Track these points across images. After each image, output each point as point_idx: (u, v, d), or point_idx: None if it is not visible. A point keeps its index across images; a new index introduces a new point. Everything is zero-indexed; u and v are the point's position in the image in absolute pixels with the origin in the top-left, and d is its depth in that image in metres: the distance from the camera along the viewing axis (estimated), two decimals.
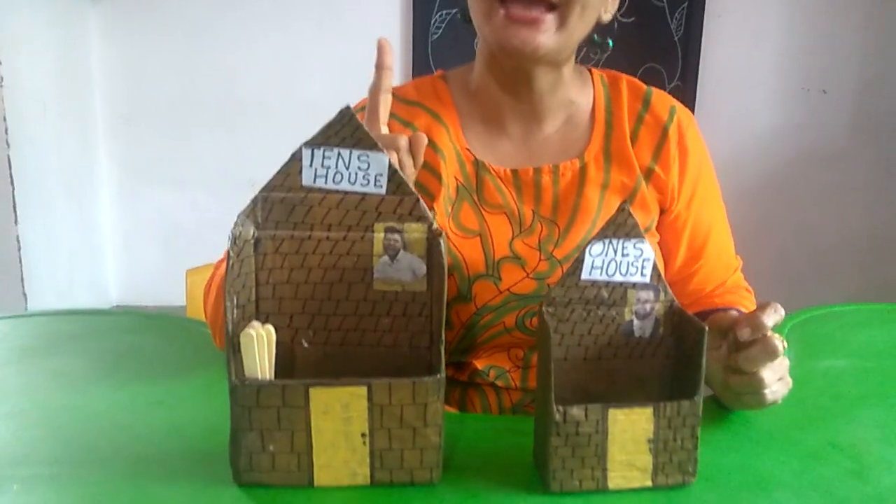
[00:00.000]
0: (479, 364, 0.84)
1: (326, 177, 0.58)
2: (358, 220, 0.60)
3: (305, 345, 0.62)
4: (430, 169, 0.83)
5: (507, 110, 0.85)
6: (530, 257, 0.81)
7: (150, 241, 2.74)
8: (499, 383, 0.84)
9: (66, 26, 2.50)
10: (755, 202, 2.63)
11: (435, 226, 0.60)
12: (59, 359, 0.83)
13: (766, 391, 0.65)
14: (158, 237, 2.74)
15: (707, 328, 0.57)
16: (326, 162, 0.58)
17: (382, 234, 0.60)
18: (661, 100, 0.87)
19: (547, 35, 0.74)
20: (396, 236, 0.60)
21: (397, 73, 2.58)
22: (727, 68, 2.58)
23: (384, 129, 0.71)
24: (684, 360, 0.61)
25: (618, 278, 0.60)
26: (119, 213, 2.73)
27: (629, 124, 0.85)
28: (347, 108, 0.57)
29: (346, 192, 0.59)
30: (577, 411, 0.56)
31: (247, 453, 0.56)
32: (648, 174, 0.85)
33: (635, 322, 0.62)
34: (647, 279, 0.61)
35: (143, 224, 2.73)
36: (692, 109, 2.52)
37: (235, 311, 0.58)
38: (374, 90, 0.70)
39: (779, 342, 0.63)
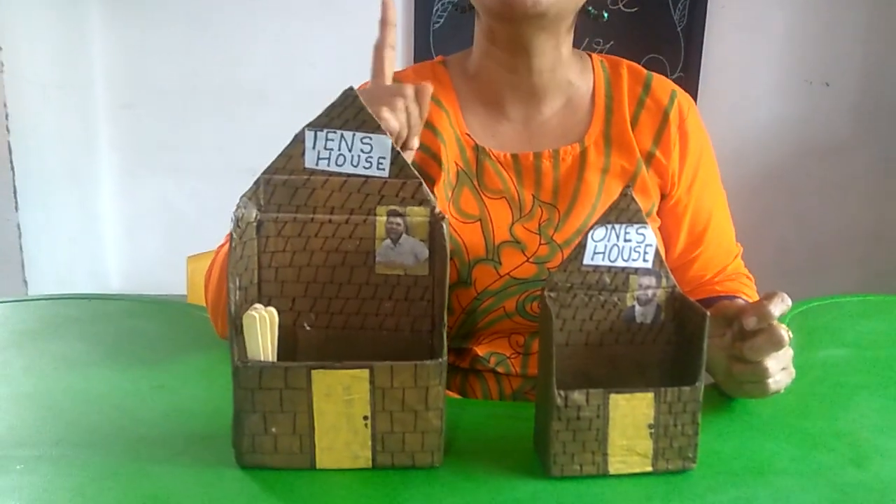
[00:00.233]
0: (480, 350, 0.84)
1: (329, 159, 0.58)
2: (360, 203, 0.60)
3: (308, 328, 0.63)
4: (431, 153, 0.83)
5: (507, 92, 0.85)
6: (530, 242, 0.82)
7: (151, 228, 2.74)
8: (499, 370, 0.84)
9: (68, 12, 2.49)
10: (756, 194, 2.62)
11: (437, 209, 0.60)
12: (61, 342, 0.84)
13: (770, 381, 0.65)
14: (159, 225, 2.73)
15: (708, 314, 0.57)
16: (329, 144, 0.58)
17: (385, 218, 0.60)
18: (662, 84, 0.87)
19: None
20: (399, 220, 0.60)
21: (399, 60, 2.56)
22: (730, 60, 2.57)
23: (390, 84, 0.72)
24: (685, 346, 0.61)
25: (620, 264, 0.60)
26: (120, 200, 2.73)
27: (630, 108, 0.85)
28: (351, 89, 0.57)
29: (348, 175, 0.59)
30: (578, 396, 0.56)
31: (249, 435, 0.56)
32: (649, 159, 0.85)
33: (637, 308, 0.62)
34: (650, 265, 0.61)
35: (144, 212, 2.73)
36: (694, 100, 2.51)
37: (238, 293, 0.58)
38: (379, 46, 0.71)
39: (784, 332, 0.63)
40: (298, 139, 0.58)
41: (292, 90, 2.59)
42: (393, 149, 0.59)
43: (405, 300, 0.62)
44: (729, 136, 2.57)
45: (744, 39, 2.57)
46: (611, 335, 0.63)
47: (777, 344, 0.63)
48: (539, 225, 0.82)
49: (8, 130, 2.18)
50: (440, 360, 0.56)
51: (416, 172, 0.59)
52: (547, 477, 0.57)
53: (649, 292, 0.62)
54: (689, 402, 0.57)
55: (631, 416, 0.57)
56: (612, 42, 2.49)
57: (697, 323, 0.58)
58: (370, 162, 0.59)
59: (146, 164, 2.69)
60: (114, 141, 2.68)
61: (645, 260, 0.61)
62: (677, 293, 0.62)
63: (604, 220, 0.59)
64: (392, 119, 0.66)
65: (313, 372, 0.55)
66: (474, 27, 0.86)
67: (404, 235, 0.61)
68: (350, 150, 0.58)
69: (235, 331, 0.56)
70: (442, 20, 2.53)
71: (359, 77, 0.90)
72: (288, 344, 0.61)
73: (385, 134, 0.58)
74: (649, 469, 0.58)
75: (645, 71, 0.88)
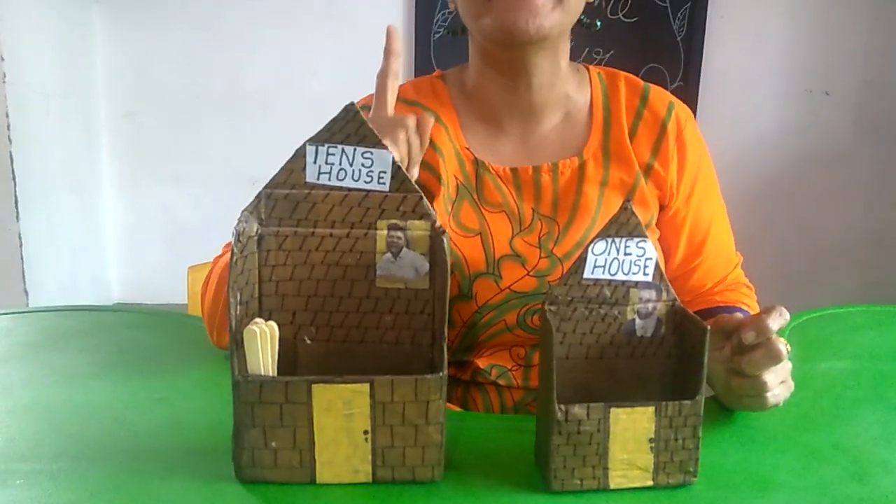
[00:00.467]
0: (481, 363, 0.84)
1: (330, 174, 0.59)
2: (361, 217, 0.60)
3: (308, 341, 0.63)
4: (430, 168, 0.83)
5: (505, 109, 0.85)
6: (530, 255, 0.82)
7: (152, 238, 2.74)
8: (501, 382, 0.84)
9: (70, 22, 2.50)
10: (757, 203, 2.63)
11: (438, 223, 0.60)
12: (62, 355, 0.84)
13: (769, 394, 0.65)
14: (161, 234, 2.74)
15: (709, 328, 0.57)
16: (330, 159, 0.58)
17: (385, 232, 0.60)
18: (659, 96, 0.87)
19: (545, 12, 0.75)
20: (399, 234, 0.60)
21: (400, 71, 2.57)
22: (730, 69, 2.58)
23: (391, 114, 0.72)
24: (686, 359, 0.61)
25: (620, 277, 0.61)
26: (121, 209, 2.73)
27: (627, 121, 0.86)
28: (352, 104, 0.57)
29: (349, 189, 0.59)
30: (578, 410, 0.56)
31: (249, 449, 0.56)
32: (647, 170, 0.85)
33: (637, 321, 0.62)
34: (650, 278, 0.61)
35: (146, 221, 2.73)
36: (694, 110, 2.52)
37: (238, 307, 0.58)
38: (382, 75, 0.71)
39: (783, 346, 0.63)
40: (300, 154, 0.58)
41: (294, 100, 2.60)
42: (394, 163, 0.59)
43: (406, 314, 0.62)
44: (729, 145, 2.57)
45: (744, 48, 2.58)
46: (611, 348, 0.63)
47: (775, 358, 0.63)
48: (539, 238, 0.82)
49: (10, 140, 2.19)
50: (440, 374, 0.56)
51: (416, 187, 0.60)
52: (547, 491, 0.57)
53: (650, 306, 0.62)
54: (689, 416, 0.57)
55: (632, 430, 0.57)
56: (612, 52, 2.50)
57: (698, 336, 0.58)
58: (371, 176, 0.59)
59: (148, 173, 2.70)
60: (115, 150, 2.69)
61: (645, 273, 0.61)
62: (678, 306, 0.62)
63: (604, 234, 0.60)
64: (393, 150, 0.66)
65: (314, 386, 0.55)
66: (468, 46, 0.86)
67: (405, 249, 0.61)
68: (351, 165, 0.59)
69: (236, 345, 0.56)
70: (442, 32, 2.54)
71: (360, 87, 0.90)
72: (288, 357, 0.61)
73: (386, 148, 0.58)
74: (650, 483, 0.58)
75: (642, 83, 0.88)
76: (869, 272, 2.70)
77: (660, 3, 2.51)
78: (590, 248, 0.60)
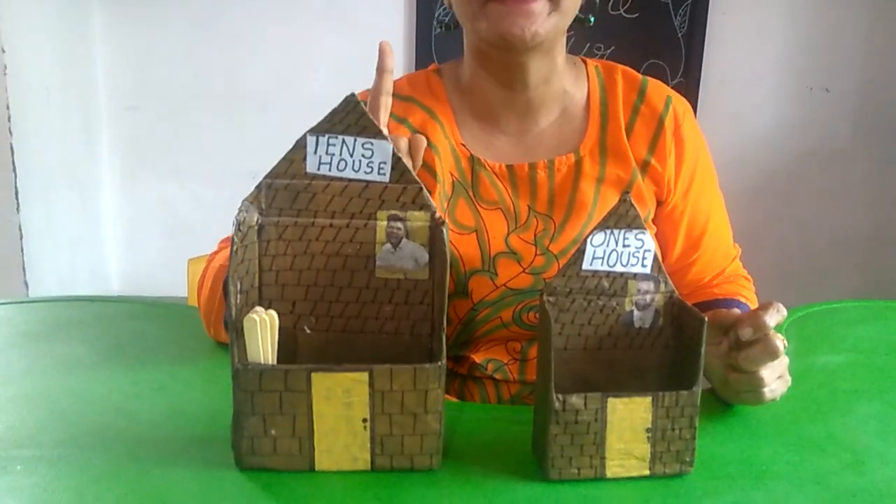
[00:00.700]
0: (478, 358, 0.84)
1: (330, 164, 0.59)
2: (361, 207, 0.60)
3: (308, 331, 0.63)
4: (425, 165, 0.83)
5: (500, 106, 0.85)
6: (526, 252, 0.82)
7: (151, 231, 2.74)
8: (497, 376, 0.85)
9: (71, 15, 2.50)
10: (757, 200, 2.63)
11: (437, 214, 0.60)
12: (62, 345, 0.84)
13: (765, 390, 0.65)
14: (160, 228, 2.74)
15: (707, 320, 0.58)
16: (331, 149, 0.58)
17: (385, 222, 0.61)
18: (657, 90, 0.87)
19: (542, 18, 0.75)
20: (399, 224, 0.61)
21: (400, 67, 2.57)
22: (730, 66, 2.58)
23: (384, 131, 0.71)
24: (683, 350, 0.61)
25: (619, 269, 0.61)
26: (121, 203, 2.73)
27: (624, 116, 0.85)
28: (353, 95, 0.57)
29: (349, 180, 0.59)
30: (576, 400, 0.56)
31: (248, 437, 0.57)
32: (644, 167, 0.85)
33: (635, 312, 0.63)
34: (648, 270, 0.61)
35: (145, 214, 2.73)
36: (695, 107, 2.52)
37: (239, 296, 0.58)
38: (375, 92, 0.70)
39: (780, 342, 0.63)
40: (300, 144, 0.59)
41: (294, 95, 2.59)
42: (394, 154, 0.59)
43: (405, 304, 0.63)
44: (729, 142, 2.57)
45: (745, 45, 2.58)
46: (609, 340, 0.63)
47: (772, 354, 0.63)
48: (535, 236, 0.82)
49: (10, 132, 2.19)
50: (439, 363, 0.56)
51: (416, 178, 0.60)
52: (545, 480, 0.58)
53: (648, 297, 0.62)
54: (686, 407, 0.58)
55: (629, 419, 0.57)
56: (612, 48, 2.49)
57: (695, 328, 0.59)
58: (371, 167, 0.59)
59: (148, 167, 2.70)
60: (115, 143, 2.69)
61: (643, 265, 0.61)
62: (676, 298, 0.63)
63: (603, 226, 0.60)
64: None
65: (313, 375, 0.55)
66: (463, 43, 0.86)
67: (404, 240, 0.61)
68: (351, 155, 0.59)
69: (236, 333, 0.56)
70: (438, 26, 2.54)
71: (360, 83, 0.90)
72: (288, 347, 0.62)
73: (386, 139, 0.59)
74: (647, 473, 0.58)
75: (640, 76, 0.88)
76: (868, 269, 2.70)
77: None
78: (588, 240, 0.60)
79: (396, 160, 0.59)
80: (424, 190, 0.60)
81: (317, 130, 0.58)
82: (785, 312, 0.65)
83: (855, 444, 0.65)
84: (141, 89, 2.64)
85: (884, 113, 2.60)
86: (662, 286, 0.62)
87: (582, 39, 2.43)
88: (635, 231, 0.60)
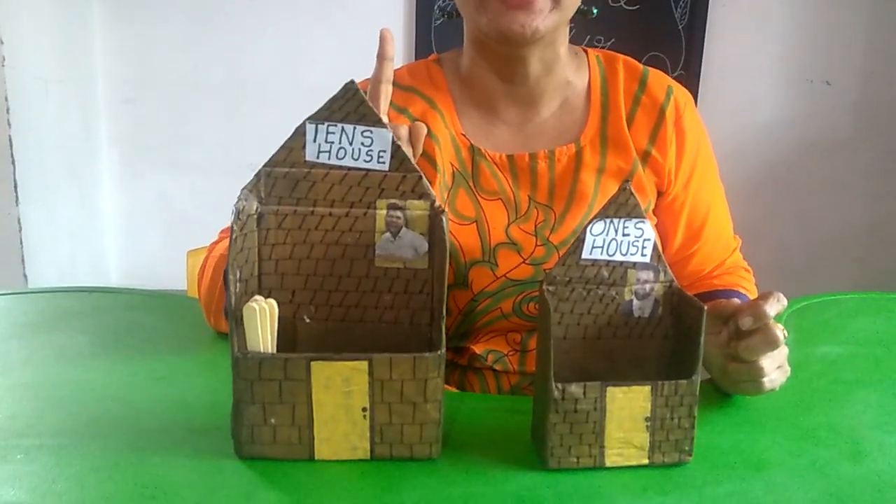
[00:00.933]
0: (478, 349, 0.84)
1: (330, 152, 0.59)
2: (361, 196, 0.60)
3: (307, 320, 0.63)
4: (425, 155, 0.83)
5: (501, 97, 0.84)
6: (526, 243, 0.82)
7: (151, 223, 2.74)
8: (497, 367, 0.85)
9: (70, 7, 2.49)
10: (757, 192, 2.63)
11: (437, 203, 0.60)
12: (62, 334, 0.84)
13: (765, 380, 0.65)
14: (159, 220, 2.73)
15: (706, 309, 0.58)
16: (330, 137, 0.58)
17: (385, 211, 0.60)
18: (658, 80, 0.87)
19: (543, 15, 0.75)
20: (399, 213, 0.60)
21: (400, 58, 2.57)
22: (731, 58, 2.57)
23: (384, 120, 0.71)
24: (683, 340, 0.61)
25: (618, 258, 0.61)
26: (120, 195, 2.73)
27: (625, 106, 0.85)
28: (352, 82, 0.57)
29: (349, 168, 0.59)
30: (575, 389, 0.56)
31: (248, 426, 0.57)
32: (645, 157, 0.85)
33: (635, 302, 0.63)
34: (648, 259, 0.61)
35: (145, 207, 2.73)
36: (695, 99, 2.51)
37: (238, 285, 0.58)
38: (375, 80, 0.70)
39: (779, 332, 0.63)
40: (299, 132, 0.58)
41: (294, 86, 2.59)
42: (393, 142, 0.59)
43: (404, 293, 0.63)
44: (729, 134, 2.57)
45: (745, 38, 2.57)
46: (609, 329, 0.63)
47: (772, 344, 0.63)
48: (535, 226, 0.82)
49: (9, 124, 2.18)
50: (439, 352, 0.56)
51: (416, 167, 0.60)
52: (544, 469, 0.58)
53: (647, 286, 0.62)
54: (685, 396, 0.58)
55: (628, 409, 0.57)
56: (613, 40, 2.49)
57: (695, 317, 0.58)
58: (371, 155, 0.59)
59: (147, 160, 2.69)
60: (114, 136, 2.68)
61: (643, 254, 0.61)
62: (675, 288, 0.63)
63: (602, 215, 0.60)
64: None
65: (313, 363, 0.55)
66: (463, 32, 0.86)
67: (404, 229, 0.61)
68: (351, 144, 0.59)
69: (235, 322, 0.56)
70: (440, 14, 2.53)
71: (359, 75, 0.90)
72: (287, 336, 0.62)
73: (385, 127, 0.58)
74: (646, 462, 0.58)
75: (641, 66, 0.88)
76: (868, 262, 2.70)
77: None
78: (588, 229, 0.60)
79: (396, 148, 0.59)
80: (424, 179, 0.60)
81: (316, 118, 0.58)
82: (785, 302, 0.65)
83: (854, 434, 0.65)
84: (140, 82, 2.63)
85: (884, 106, 2.60)
86: (662, 275, 0.62)
87: (582, 31, 2.42)
88: (635, 220, 0.60)
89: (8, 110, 2.17)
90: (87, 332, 0.85)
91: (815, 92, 2.61)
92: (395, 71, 0.89)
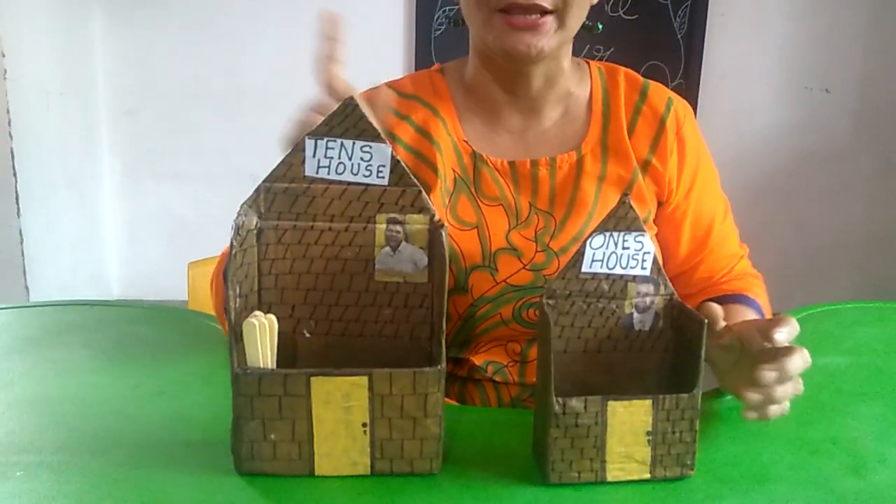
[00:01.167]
0: (477, 360, 0.84)
1: (329, 167, 0.59)
2: (360, 211, 0.60)
3: (307, 335, 0.63)
4: (426, 160, 0.83)
5: (504, 105, 0.86)
6: (527, 249, 0.82)
7: (152, 234, 2.75)
8: (497, 378, 0.84)
9: (70, 18, 2.50)
10: (756, 200, 2.63)
11: (437, 217, 0.60)
12: (62, 349, 0.84)
13: (775, 407, 0.62)
14: (161, 231, 2.74)
15: (706, 322, 0.58)
16: (329, 153, 0.58)
17: (384, 226, 0.61)
18: (659, 92, 0.88)
19: (548, 37, 0.76)
20: (398, 227, 0.61)
21: (400, 68, 2.58)
22: (730, 66, 2.58)
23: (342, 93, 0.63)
24: (683, 353, 0.61)
25: (618, 271, 0.61)
26: (121, 206, 2.73)
27: (626, 116, 0.86)
28: (351, 98, 0.57)
29: (348, 183, 0.59)
30: (576, 403, 0.56)
31: (248, 442, 0.56)
32: (645, 166, 0.85)
33: (635, 315, 0.62)
34: (648, 272, 0.61)
35: (146, 217, 2.74)
36: (694, 108, 2.52)
37: (238, 300, 0.58)
38: (318, 58, 0.65)
39: (800, 362, 0.60)
40: (299, 147, 0.59)
41: (293, 97, 2.57)
42: (392, 157, 0.59)
43: (404, 307, 0.63)
44: (729, 143, 2.57)
45: (744, 46, 2.58)
46: (609, 342, 0.63)
47: (798, 391, 0.62)
48: (535, 233, 0.83)
49: (10, 136, 2.19)
50: (439, 367, 0.56)
51: (415, 181, 0.60)
52: (545, 484, 0.58)
53: (647, 300, 0.62)
54: (687, 410, 0.58)
55: (629, 423, 0.57)
56: (612, 49, 2.50)
57: (695, 330, 0.58)
58: (370, 170, 0.59)
59: (148, 170, 2.70)
60: (115, 146, 2.69)
61: (643, 267, 0.61)
62: (675, 301, 0.63)
63: (602, 228, 0.60)
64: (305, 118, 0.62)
65: (312, 379, 0.55)
66: (469, 40, 0.87)
67: (403, 243, 0.61)
68: (350, 159, 0.59)
69: (235, 338, 0.56)
70: (443, 28, 2.54)
71: (359, 84, 0.90)
72: (287, 351, 0.62)
73: (385, 142, 0.59)
74: (647, 476, 0.58)
75: (642, 79, 0.89)
76: (868, 270, 2.70)
77: (660, 0, 2.51)
78: (588, 242, 0.60)
79: (395, 163, 0.59)
80: (423, 193, 0.60)
81: (315, 134, 0.58)
82: (798, 329, 0.63)
83: (856, 446, 0.65)
84: (140, 92, 2.64)
85: (883, 113, 2.60)
86: (662, 288, 0.62)
87: (581, 41, 2.42)
88: (634, 233, 0.60)
89: (10, 122, 2.18)
90: (88, 346, 0.85)
91: (815, 100, 2.62)
92: (398, 80, 0.90)
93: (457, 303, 0.82)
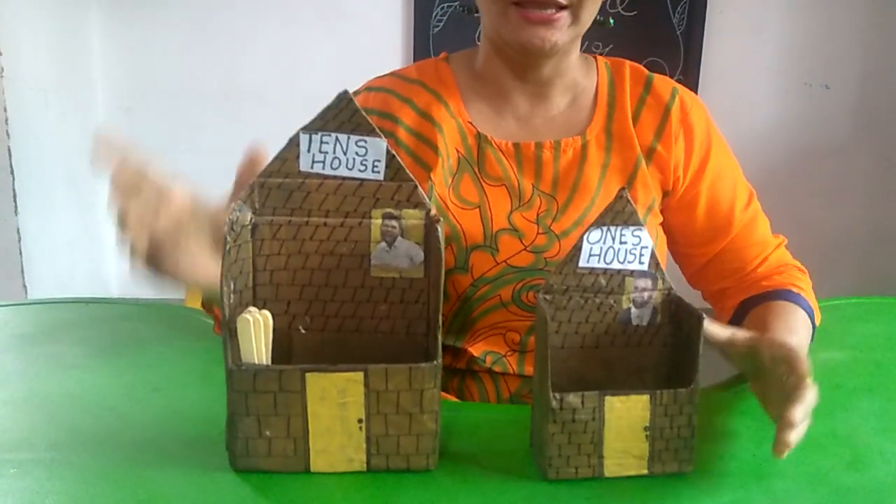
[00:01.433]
0: (476, 350, 0.84)
1: (324, 162, 0.58)
2: (355, 206, 0.60)
3: (303, 331, 0.62)
4: (426, 140, 0.84)
5: (514, 92, 0.87)
6: (528, 230, 0.82)
7: None
8: (496, 369, 0.84)
9: (68, 16, 2.49)
10: (756, 196, 2.62)
11: (433, 212, 0.60)
12: (57, 346, 0.83)
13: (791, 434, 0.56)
14: None
15: (704, 317, 0.57)
16: (324, 147, 0.58)
17: (380, 221, 0.60)
18: (663, 83, 0.88)
19: (562, 31, 0.77)
20: (394, 223, 0.60)
21: (398, 64, 2.57)
22: (729, 63, 2.57)
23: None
24: (681, 348, 0.61)
25: (616, 266, 0.60)
26: None
27: (631, 105, 0.87)
28: (345, 92, 0.57)
29: (343, 178, 0.59)
30: (573, 398, 0.56)
31: (243, 438, 0.56)
32: (650, 153, 0.85)
33: (633, 310, 0.62)
34: (646, 267, 0.61)
35: None
36: None
37: (232, 296, 0.58)
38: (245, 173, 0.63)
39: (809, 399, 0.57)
40: (293, 142, 0.58)
41: (292, 94, 2.59)
42: (388, 152, 0.59)
43: (400, 303, 0.62)
44: (728, 139, 2.56)
45: (743, 42, 2.57)
46: (606, 338, 0.63)
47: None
48: (537, 215, 0.83)
49: (8, 134, 2.18)
50: (435, 362, 0.56)
51: (411, 175, 0.59)
52: (543, 480, 0.57)
53: (645, 294, 0.62)
54: (685, 404, 0.57)
55: (627, 418, 0.57)
56: (611, 45, 2.49)
57: (693, 325, 0.58)
58: (365, 165, 0.59)
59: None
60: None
61: (641, 262, 0.61)
62: (673, 295, 0.62)
63: (599, 223, 0.59)
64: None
65: (307, 375, 0.55)
66: (476, 32, 0.88)
67: (399, 238, 0.61)
68: (345, 154, 0.58)
69: (229, 334, 0.56)
70: (442, 24, 2.54)
71: (357, 81, 0.90)
72: (283, 347, 0.61)
73: (380, 136, 0.58)
74: (645, 472, 0.58)
75: (646, 72, 0.89)
76: (868, 266, 2.69)
77: None
78: (585, 237, 0.59)
79: (391, 158, 0.59)
80: (419, 188, 0.59)
81: (310, 128, 0.58)
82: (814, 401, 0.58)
83: (855, 442, 0.65)
84: (139, 90, 2.64)
85: (883, 109, 2.60)
86: (660, 283, 0.62)
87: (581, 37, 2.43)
88: (632, 228, 0.60)
89: (7, 120, 2.18)
90: (83, 343, 0.84)
91: (814, 96, 2.61)
92: (403, 68, 0.92)
93: (456, 282, 0.82)
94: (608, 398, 0.56)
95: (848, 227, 2.68)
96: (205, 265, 0.65)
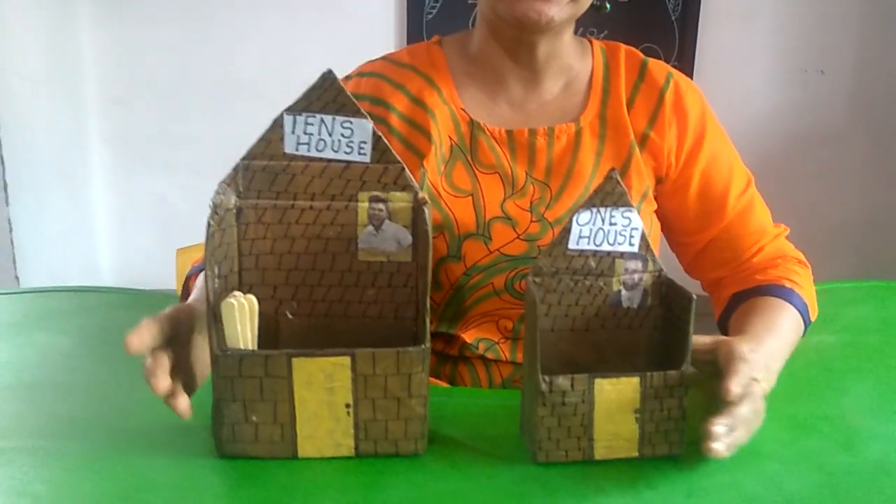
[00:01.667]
0: (468, 337, 0.83)
1: (309, 144, 0.57)
2: (342, 189, 0.59)
3: (290, 316, 0.62)
4: (419, 127, 0.83)
5: (508, 74, 0.86)
6: (521, 219, 0.81)
7: (143, 224, 2.72)
8: (489, 356, 0.84)
9: (58, 7, 2.47)
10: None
11: (420, 195, 0.59)
12: (45, 335, 0.83)
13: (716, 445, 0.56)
14: (152, 220, 2.72)
15: (695, 298, 0.57)
16: (309, 129, 0.57)
17: (367, 204, 0.59)
18: (658, 67, 0.87)
19: (560, 6, 0.76)
20: (381, 206, 0.59)
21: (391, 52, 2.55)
22: (724, 49, 2.56)
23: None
24: (672, 330, 0.60)
25: (605, 248, 0.60)
26: (112, 195, 2.71)
27: (626, 91, 0.86)
28: (329, 72, 0.56)
29: (329, 160, 0.58)
30: (563, 381, 0.55)
31: (229, 424, 0.56)
32: (643, 140, 0.84)
33: (623, 292, 0.61)
34: (636, 249, 0.60)
35: (137, 207, 2.71)
36: None
37: (217, 281, 0.57)
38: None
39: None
40: (277, 123, 0.57)
41: (285, 85, 2.54)
42: (374, 133, 0.58)
43: (388, 287, 0.61)
44: (724, 125, 2.55)
45: (738, 28, 2.56)
46: (597, 320, 0.62)
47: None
48: (531, 202, 0.82)
49: None
50: (423, 346, 0.55)
51: (397, 157, 0.58)
52: (532, 463, 0.57)
53: (635, 276, 0.61)
54: (675, 387, 0.57)
55: (617, 401, 0.56)
56: (606, 31, 2.47)
57: (684, 307, 0.57)
58: (351, 147, 0.58)
59: (137, 159, 2.67)
60: (105, 136, 2.66)
61: (631, 244, 0.60)
62: (664, 277, 0.62)
63: (589, 204, 0.59)
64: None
65: (294, 360, 0.54)
66: (470, 18, 0.86)
67: (387, 221, 0.60)
68: (330, 135, 0.58)
69: (214, 319, 0.55)
70: (435, 11, 2.52)
71: (352, 69, 0.89)
72: (270, 332, 0.60)
73: (366, 118, 0.57)
74: (635, 454, 0.57)
75: (642, 56, 0.88)
76: (864, 252, 2.69)
77: None
78: (574, 219, 0.59)
79: (377, 139, 0.58)
80: (406, 170, 0.59)
81: (294, 109, 0.57)
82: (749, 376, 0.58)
83: (847, 423, 0.64)
84: (130, 81, 2.61)
85: (879, 95, 2.59)
86: (650, 265, 0.61)
87: (576, 23, 2.41)
88: (622, 209, 0.59)
89: None
90: (71, 332, 0.83)
91: (810, 81, 2.60)
92: (395, 52, 0.90)
93: (449, 271, 0.82)
94: (598, 381, 0.56)
95: (844, 213, 2.68)
96: None
